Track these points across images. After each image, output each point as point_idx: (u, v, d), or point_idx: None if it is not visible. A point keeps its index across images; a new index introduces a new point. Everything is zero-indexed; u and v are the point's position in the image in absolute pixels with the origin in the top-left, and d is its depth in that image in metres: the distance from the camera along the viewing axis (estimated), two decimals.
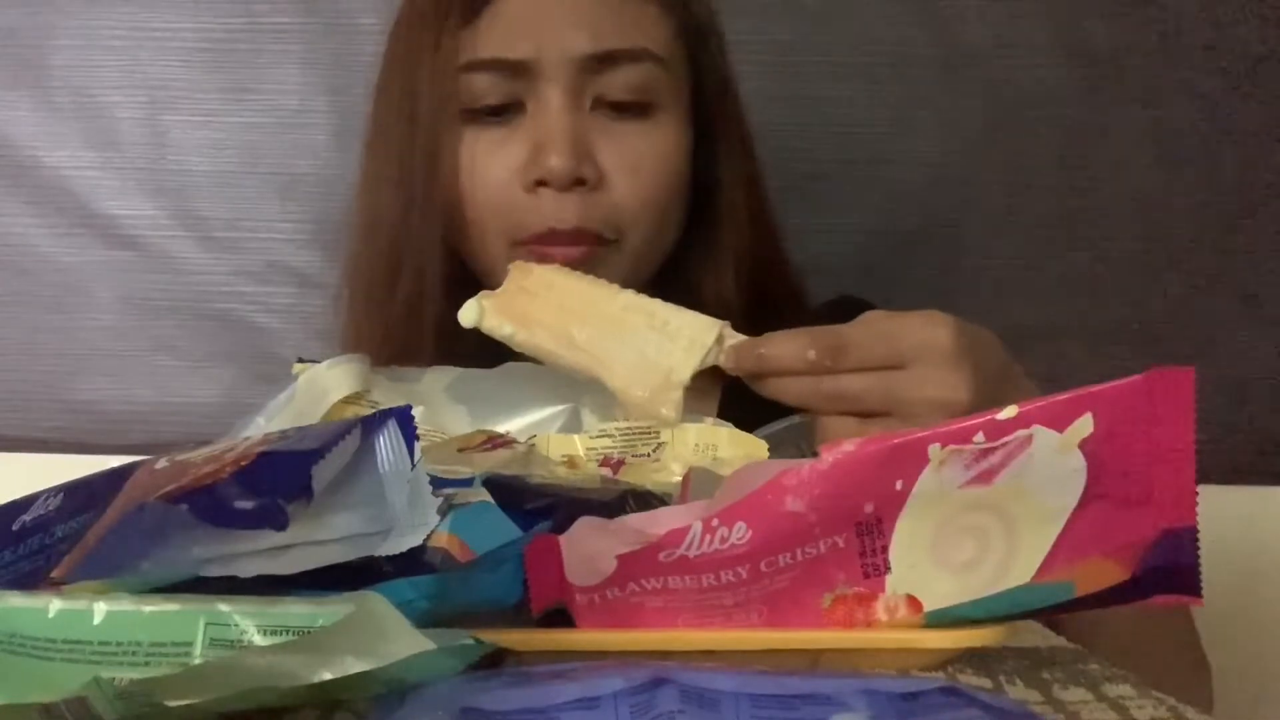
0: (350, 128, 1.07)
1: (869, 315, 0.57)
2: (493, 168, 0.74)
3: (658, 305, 0.63)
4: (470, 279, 0.76)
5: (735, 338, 0.60)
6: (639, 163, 0.74)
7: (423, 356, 0.75)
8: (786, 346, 0.56)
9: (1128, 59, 1.08)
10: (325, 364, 0.65)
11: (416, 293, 0.76)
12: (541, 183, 0.72)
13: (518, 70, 0.73)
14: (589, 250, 0.73)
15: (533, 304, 0.66)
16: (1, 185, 1.11)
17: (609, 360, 0.62)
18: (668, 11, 0.77)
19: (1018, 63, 1.08)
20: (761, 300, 0.80)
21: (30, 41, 1.10)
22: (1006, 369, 0.58)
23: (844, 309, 0.61)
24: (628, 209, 0.74)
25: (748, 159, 0.83)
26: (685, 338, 0.61)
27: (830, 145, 1.09)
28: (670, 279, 0.78)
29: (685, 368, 0.60)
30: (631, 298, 0.64)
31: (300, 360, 0.68)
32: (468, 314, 0.67)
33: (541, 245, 0.73)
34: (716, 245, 0.80)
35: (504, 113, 0.74)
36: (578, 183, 0.72)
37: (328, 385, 0.64)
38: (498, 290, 0.68)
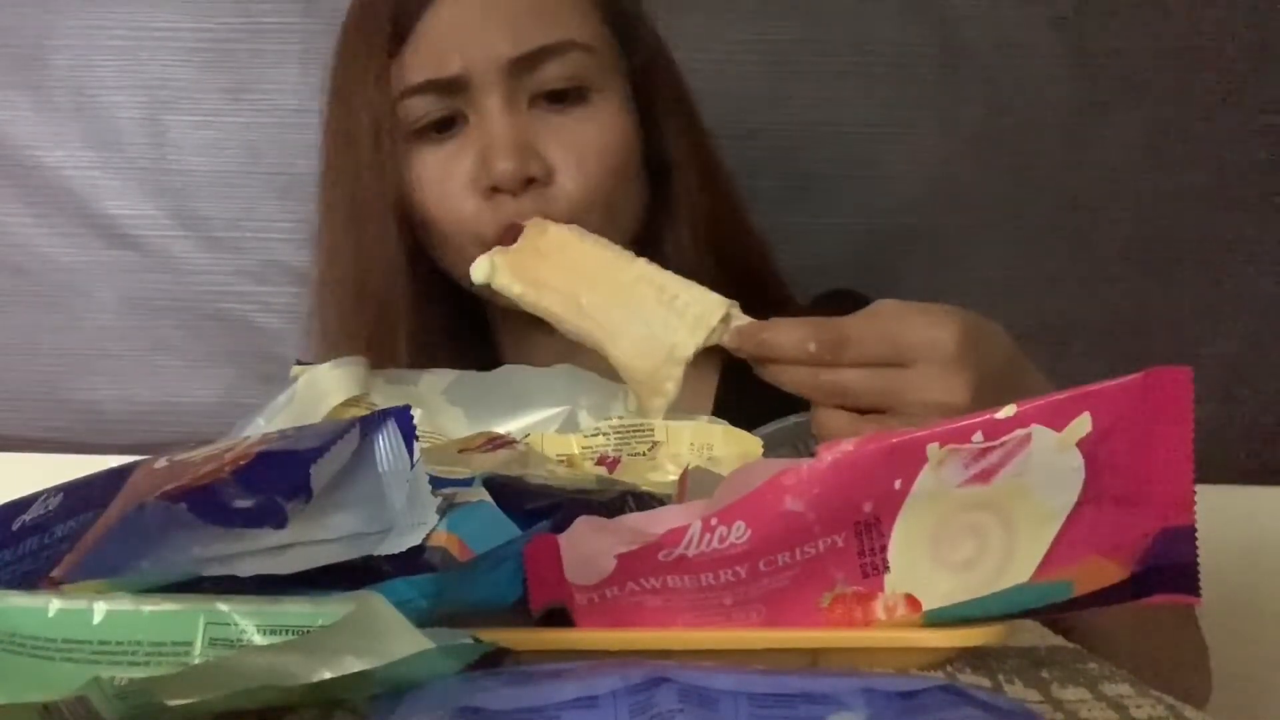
0: None
1: (877, 307, 0.57)
2: (449, 182, 0.76)
3: (668, 278, 0.63)
4: (447, 295, 0.80)
5: (741, 319, 0.60)
6: (584, 150, 0.76)
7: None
8: (788, 335, 0.56)
9: (1127, 59, 1.08)
10: (326, 366, 0.65)
11: (384, 315, 0.78)
12: (495, 189, 0.74)
13: (451, 86, 0.75)
14: None
15: (544, 265, 0.67)
16: (1, 185, 1.10)
17: (614, 330, 0.62)
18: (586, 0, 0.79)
19: (1018, 63, 1.08)
20: (725, 262, 0.82)
21: (30, 41, 1.10)
22: (1012, 367, 0.57)
23: (840, 302, 0.61)
24: (580, 197, 0.75)
25: (694, 130, 0.85)
26: (692, 315, 0.61)
27: (830, 145, 1.09)
28: (642, 249, 0.79)
29: (689, 345, 0.60)
30: (644, 268, 0.64)
31: (299, 363, 0.68)
32: (479, 270, 0.67)
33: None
34: (675, 213, 0.82)
35: (450, 127, 0.77)
36: (528, 182, 0.74)
37: (328, 388, 0.64)
38: (511, 247, 0.68)
